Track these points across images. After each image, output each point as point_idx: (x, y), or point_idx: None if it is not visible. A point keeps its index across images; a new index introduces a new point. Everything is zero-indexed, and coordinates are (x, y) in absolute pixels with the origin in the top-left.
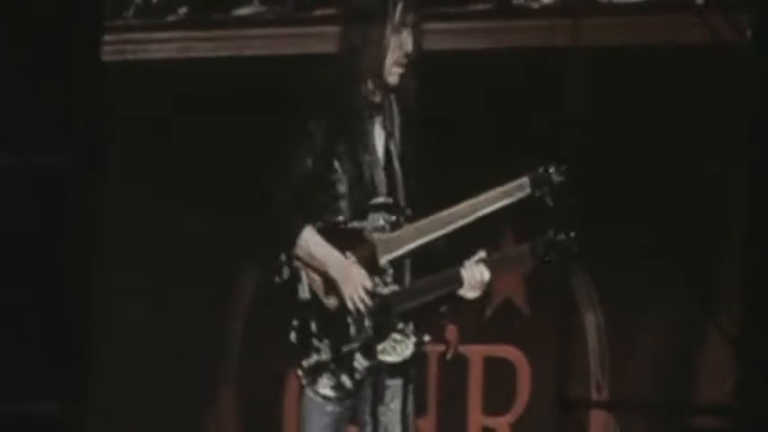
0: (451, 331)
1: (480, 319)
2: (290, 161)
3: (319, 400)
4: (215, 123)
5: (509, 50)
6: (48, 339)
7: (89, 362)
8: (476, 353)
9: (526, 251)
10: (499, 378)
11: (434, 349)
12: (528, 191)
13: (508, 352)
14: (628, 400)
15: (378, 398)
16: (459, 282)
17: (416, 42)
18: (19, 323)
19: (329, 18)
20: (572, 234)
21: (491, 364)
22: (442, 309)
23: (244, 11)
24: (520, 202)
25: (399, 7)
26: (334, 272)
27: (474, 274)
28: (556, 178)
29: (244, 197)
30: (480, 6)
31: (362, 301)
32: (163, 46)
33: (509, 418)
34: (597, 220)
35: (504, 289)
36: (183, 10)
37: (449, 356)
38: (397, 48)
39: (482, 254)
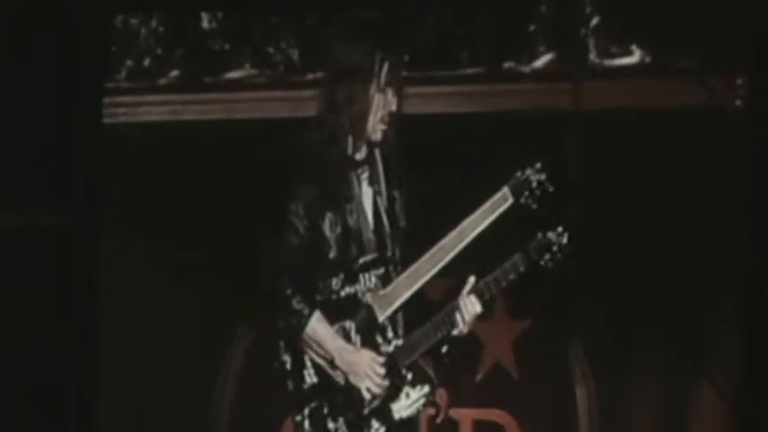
0: (441, 395)
1: (470, 383)
2: (283, 235)
3: None
4: (209, 186)
5: (500, 114)
6: (52, 399)
7: (95, 419)
8: (466, 416)
9: (518, 260)
10: None
11: (424, 413)
12: (511, 200)
13: (498, 416)
14: None
15: None
16: (453, 321)
17: (399, 100)
18: (21, 382)
19: (320, 81)
20: (560, 231)
21: (481, 427)
22: (444, 350)
23: (235, 74)
24: (505, 215)
25: (385, 67)
26: (342, 364)
27: (467, 310)
28: (534, 178)
29: (237, 260)
30: (470, 70)
31: (378, 386)
32: (154, 109)
33: None
34: (590, 288)
35: (494, 353)
36: (174, 73)
37: (438, 420)
38: (381, 107)
39: (469, 286)
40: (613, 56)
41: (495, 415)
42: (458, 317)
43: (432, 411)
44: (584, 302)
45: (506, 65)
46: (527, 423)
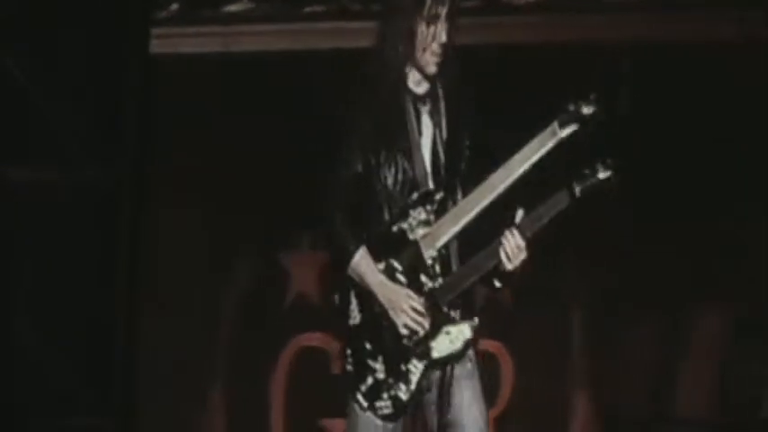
0: None
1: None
2: (336, 165)
3: (379, 422)
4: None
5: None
6: (92, 353)
7: (135, 376)
8: None
9: (564, 196)
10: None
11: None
12: (559, 134)
13: (492, 347)
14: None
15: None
16: (496, 256)
17: (452, 30)
18: (65, 338)
19: (317, 15)
20: (609, 164)
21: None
22: (497, 283)
23: (233, 7)
24: (555, 149)
25: (428, 1)
26: (384, 300)
27: (509, 244)
28: (585, 110)
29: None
30: (468, 3)
31: (417, 324)
32: (155, 42)
33: (493, 412)
34: (586, 219)
35: None
36: (173, 6)
37: None
38: (430, 39)
39: (516, 219)
40: None
41: (489, 345)
42: (501, 251)
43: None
44: (581, 233)
45: None
46: (521, 354)
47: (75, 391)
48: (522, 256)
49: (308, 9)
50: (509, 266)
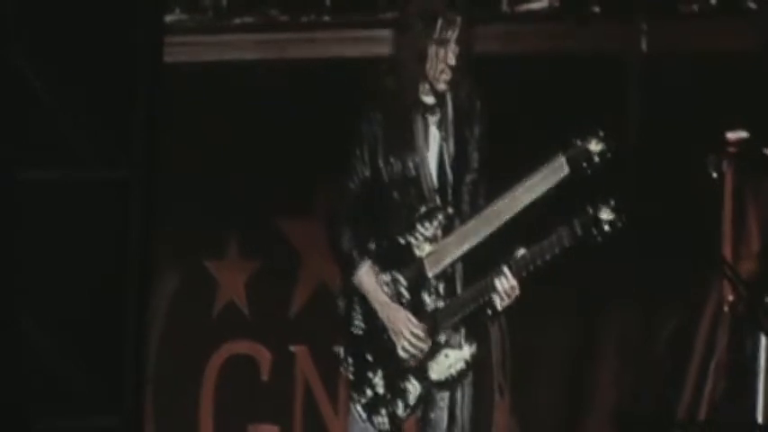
0: None
1: None
2: (345, 177)
3: None
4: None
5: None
6: (107, 353)
7: (147, 375)
8: None
9: (564, 234)
10: None
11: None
12: (567, 169)
13: None
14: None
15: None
16: (490, 294)
17: (462, 53)
18: (78, 338)
19: (246, 26)
20: (613, 205)
21: None
22: (489, 313)
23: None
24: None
25: (439, 24)
26: (385, 320)
27: (504, 286)
28: (594, 148)
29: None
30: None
31: (415, 347)
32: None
33: None
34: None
35: None
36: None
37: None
38: (440, 60)
39: (513, 258)
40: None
41: None
42: (494, 292)
43: None
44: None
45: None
46: None
47: (83, 391)
48: (516, 294)
49: (237, 20)
50: (500, 306)
